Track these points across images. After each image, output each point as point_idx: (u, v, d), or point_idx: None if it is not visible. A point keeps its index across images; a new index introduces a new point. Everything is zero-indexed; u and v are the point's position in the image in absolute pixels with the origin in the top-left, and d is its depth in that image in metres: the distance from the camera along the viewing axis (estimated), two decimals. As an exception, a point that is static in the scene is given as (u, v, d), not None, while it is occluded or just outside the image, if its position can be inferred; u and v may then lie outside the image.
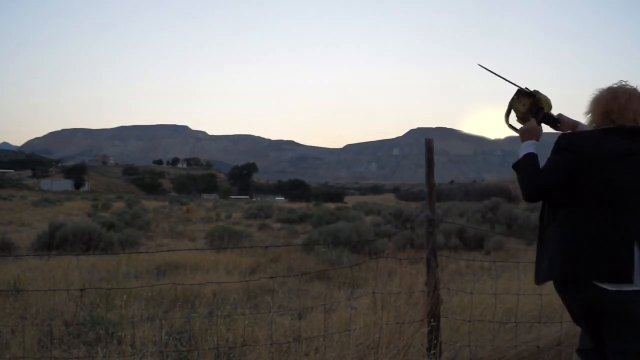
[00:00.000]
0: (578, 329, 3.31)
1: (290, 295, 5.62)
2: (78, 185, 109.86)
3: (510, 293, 4.04)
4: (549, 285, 5.16)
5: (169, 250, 5.16)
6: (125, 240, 10.01)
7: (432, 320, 3.08)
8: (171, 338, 3.83)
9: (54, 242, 9.44)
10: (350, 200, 56.16)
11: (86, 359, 3.40)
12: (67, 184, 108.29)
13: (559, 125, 2.35)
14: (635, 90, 2.07)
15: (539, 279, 2.15)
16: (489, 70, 2.41)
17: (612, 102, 2.05)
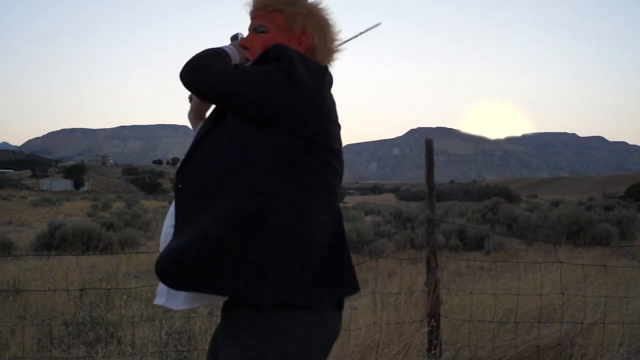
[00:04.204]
0: (578, 329, 3.32)
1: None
2: (77, 185, 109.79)
3: (510, 293, 4.04)
4: (549, 285, 5.16)
5: (168, 250, 5.15)
6: (125, 240, 10.00)
7: (432, 320, 3.08)
8: (171, 338, 3.83)
9: (54, 242, 9.43)
10: (350, 200, 56.16)
11: (86, 359, 3.40)
12: (66, 184, 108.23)
13: None
14: None
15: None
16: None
17: None
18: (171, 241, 1.27)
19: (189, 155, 1.34)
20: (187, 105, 1.55)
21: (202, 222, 1.23)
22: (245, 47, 1.42)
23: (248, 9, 1.44)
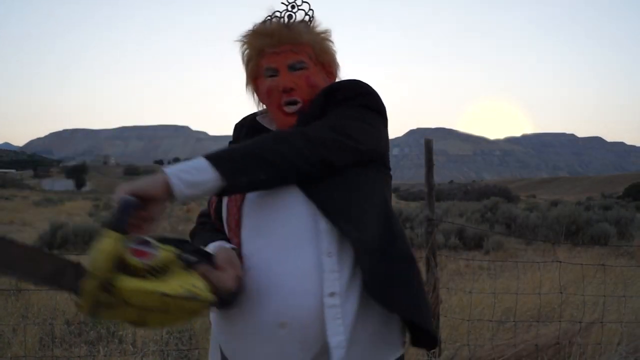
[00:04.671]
0: (576, 328, 3.34)
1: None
2: (79, 185, 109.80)
3: (509, 292, 4.06)
4: (548, 285, 5.17)
5: (169, 250, 5.17)
6: (125, 240, 10.04)
7: (431, 319, 3.09)
8: (172, 337, 3.85)
9: (56, 241, 9.48)
10: (351, 200, 55.86)
11: (87, 357, 3.42)
12: (68, 184, 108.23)
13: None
14: None
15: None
16: None
17: None
18: (389, 299, 1.12)
19: (343, 223, 1.10)
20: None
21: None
22: (291, 88, 1.24)
23: (260, 44, 1.25)
